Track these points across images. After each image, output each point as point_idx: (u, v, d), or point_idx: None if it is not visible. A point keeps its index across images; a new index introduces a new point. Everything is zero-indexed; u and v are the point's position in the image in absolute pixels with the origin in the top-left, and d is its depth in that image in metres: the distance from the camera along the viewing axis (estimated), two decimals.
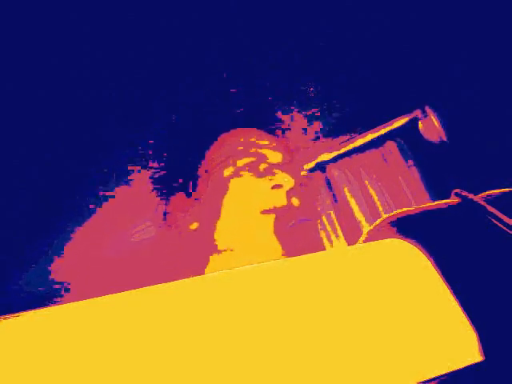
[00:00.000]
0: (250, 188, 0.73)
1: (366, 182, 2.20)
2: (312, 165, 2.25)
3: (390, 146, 2.21)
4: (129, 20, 1.22)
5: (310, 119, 1.97)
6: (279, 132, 0.83)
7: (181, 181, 0.79)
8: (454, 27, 1.70)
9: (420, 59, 1.81)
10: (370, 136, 2.20)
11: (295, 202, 0.72)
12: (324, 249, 0.76)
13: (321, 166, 2.26)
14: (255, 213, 0.70)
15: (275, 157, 0.77)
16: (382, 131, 2.18)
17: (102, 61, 1.30)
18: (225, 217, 0.72)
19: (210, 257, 0.73)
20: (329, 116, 2.01)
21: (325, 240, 2.17)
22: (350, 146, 2.22)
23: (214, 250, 0.72)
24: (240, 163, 0.75)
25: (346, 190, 2.21)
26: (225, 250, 0.71)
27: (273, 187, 0.72)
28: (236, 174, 0.74)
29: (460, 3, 1.59)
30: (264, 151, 0.76)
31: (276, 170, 0.74)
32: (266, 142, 0.78)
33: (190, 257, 0.76)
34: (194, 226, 0.76)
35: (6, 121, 1.34)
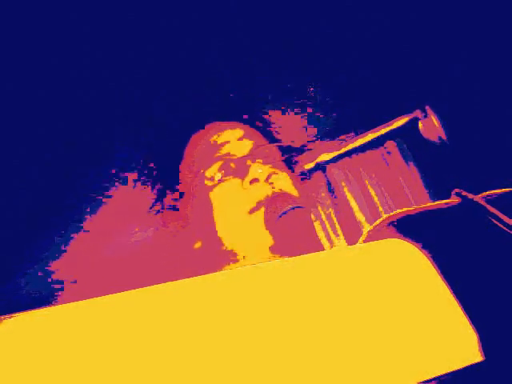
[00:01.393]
0: (230, 192, 0.72)
1: (366, 181, 2.20)
2: (312, 165, 2.25)
3: (390, 146, 2.21)
4: (119, 20, 1.22)
5: (310, 119, 1.97)
6: (275, 130, 0.82)
7: (165, 201, 0.79)
8: (453, 27, 1.70)
9: (420, 59, 1.81)
10: (370, 136, 2.20)
11: (279, 188, 0.71)
12: (317, 234, 0.75)
13: (321, 166, 2.26)
14: (243, 213, 0.69)
15: (242, 148, 0.75)
16: (382, 131, 2.18)
17: (100, 62, 1.30)
18: (219, 227, 0.72)
19: (222, 267, 0.72)
20: (329, 116, 2.02)
21: (325, 240, 2.17)
22: (350, 146, 2.22)
23: (224, 262, 0.72)
24: (211, 172, 0.73)
25: (345, 189, 2.21)
26: (231, 257, 0.71)
27: (251, 183, 0.71)
28: (212, 183, 0.73)
29: (460, 3, 1.59)
30: (228, 148, 0.75)
31: (248, 163, 0.72)
32: (229, 136, 0.76)
33: (196, 271, 0.76)
34: (198, 244, 0.75)
35: (7, 122, 1.34)
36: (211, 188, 0.73)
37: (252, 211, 0.69)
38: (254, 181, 0.71)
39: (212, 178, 0.73)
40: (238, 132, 0.77)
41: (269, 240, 0.67)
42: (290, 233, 0.66)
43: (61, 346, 0.25)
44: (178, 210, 0.78)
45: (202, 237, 0.75)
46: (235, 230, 0.70)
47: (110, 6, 1.17)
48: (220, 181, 0.73)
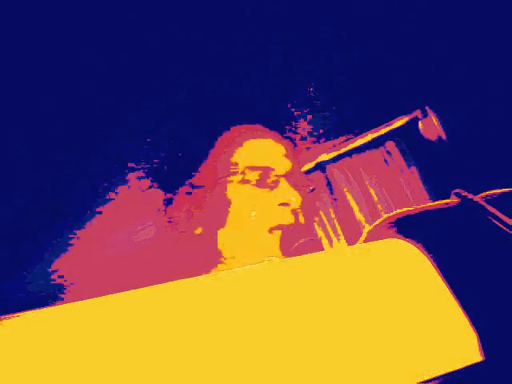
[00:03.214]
0: (256, 202, 0.72)
1: (366, 182, 2.20)
2: (312, 165, 2.25)
3: (390, 146, 2.21)
4: (128, 20, 1.22)
5: (310, 119, 1.97)
6: (290, 134, 0.82)
7: (185, 181, 0.78)
8: (453, 27, 1.70)
9: (420, 59, 1.82)
10: (370, 136, 2.20)
11: (301, 220, 0.72)
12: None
13: (321, 166, 2.26)
14: (261, 228, 0.70)
15: (283, 166, 0.75)
16: (382, 131, 2.18)
17: (101, 58, 1.30)
18: (230, 227, 0.72)
19: (213, 261, 0.73)
20: (329, 116, 2.02)
21: (325, 240, 2.17)
22: (350, 146, 2.22)
23: (217, 256, 0.72)
24: (248, 175, 0.73)
25: (345, 190, 2.21)
26: (227, 258, 0.71)
27: (280, 204, 0.71)
28: (243, 186, 0.73)
29: (460, 3, 1.59)
30: (272, 160, 0.75)
31: (283, 184, 0.73)
32: (275, 149, 0.76)
33: (193, 260, 0.76)
34: (199, 230, 0.76)
35: (8, 122, 1.34)
36: (237, 192, 0.73)
37: (271, 230, 0.70)
38: (285, 204, 0.71)
39: (244, 181, 0.73)
40: (282, 147, 0.78)
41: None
42: None
43: (61, 346, 0.25)
44: (193, 198, 0.78)
45: (207, 225, 0.75)
46: (248, 242, 0.71)
47: (123, 6, 1.17)
48: (251, 182, 0.73)
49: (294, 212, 0.72)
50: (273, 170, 0.74)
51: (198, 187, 0.77)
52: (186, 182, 0.78)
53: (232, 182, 0.74)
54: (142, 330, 0.26)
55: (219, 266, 0.72)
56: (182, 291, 0.30)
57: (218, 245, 0.72)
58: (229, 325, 0.27)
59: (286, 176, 0.74)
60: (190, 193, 0.77)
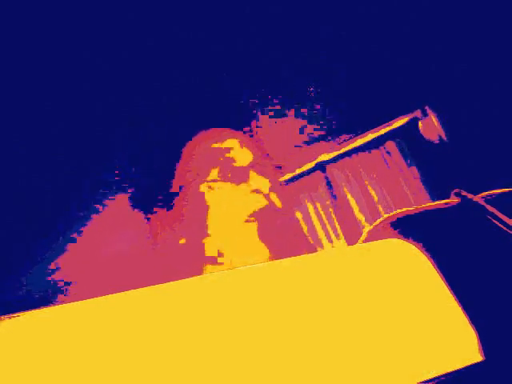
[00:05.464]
0: (228, 197, 0.74)
1: (366, 182, 2.20)
2: (312, 165, 2.25)
3: (390, 146, 2.21)
4: (111, 23, 1.22)
5: (311, 119, 1.97)
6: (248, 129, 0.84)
7: (159, 197, 0.80)
8: (454, 27, 1.70)
9: (420, 59, 1.82)
10: (370, 136, 2.20)
11: (275, 203, 0.74)
12: (309, 244, 0.80)
13: (321, 166, 2.26)
14: (239, 220, 0.72)
15: (244, 158, 0.78)
16: (382, 131, 2.18)
17: (98, 66, 1.30)
18: (211, 228, 0.74)
19: (202, 267, 0.74)
20: (329, 116, 2.02)
21: (325, 240, 2.17)
22: (350, 146, 2.22)
23: (205, 261, 0.74)
24: (213, 174, 0.76)
25: (345, 190, 2.21)
26: (215, 258, 0.73)
27: (251, 192, 0.74)
28: (212, 186, 0.75)
29: (460, 4, 1.59)
30: (231, 155, 0.77)
31: (250, 173, 0.76)
32: (232, 144, 0.79)
33: (183, 269, 0.78)
34: (183, 241, 0.77)
35: (9, 123, 1.34)
36: (209, 192, 0.75)
37: (248, 219, 0.72)
38: (255, 191, 0.74)
39: (211, 183, 0.75)
40: (239, 141, 0.80)
41: (261, 248, 0.70)
42: (283, 242, 0.68)
43: (61, 346, 0.25)
44: (171, 210, 0.80)
45: (189, 234, 0.77)
46: (230, 236, 0.72)
47: (110, 6, 1.17)
48: (218, 180, 0.75)
49: (267, 196, 0.74)
50: (239, 164, 0.77)
51: (173, 197, 0.79)
52: (162, 196, 0.80)
53: (203, 182, 0.76)
54: (140, 329, 0.26)
55: (209, 268, 0.73)
56: (181, 292, 0.30)
57: (204, 249, 0.74)
58: (229, 325, 0.27)
59: (253, 166, 0.77)
60: (168, 206, 0.79)
